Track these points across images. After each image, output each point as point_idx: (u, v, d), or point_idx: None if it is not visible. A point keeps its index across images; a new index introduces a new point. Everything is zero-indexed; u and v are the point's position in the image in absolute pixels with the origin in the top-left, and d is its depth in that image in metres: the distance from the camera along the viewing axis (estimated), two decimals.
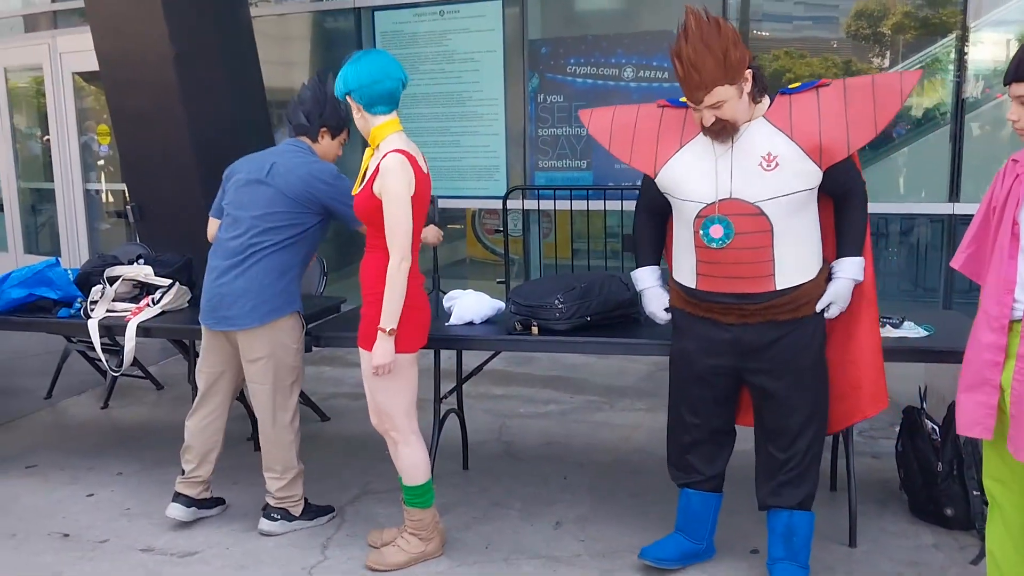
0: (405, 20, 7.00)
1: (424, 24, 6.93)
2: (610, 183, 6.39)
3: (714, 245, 2.92)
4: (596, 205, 6.25)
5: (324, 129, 3.64)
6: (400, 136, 3.21)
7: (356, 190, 3.28)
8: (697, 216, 2.94)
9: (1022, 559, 2.60)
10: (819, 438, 3.12)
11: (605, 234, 6.32)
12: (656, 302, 3.27)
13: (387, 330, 3.13)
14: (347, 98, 3.23)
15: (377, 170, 3.13)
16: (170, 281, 4.27)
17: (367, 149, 3.28)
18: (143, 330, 4.04)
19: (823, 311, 3.04)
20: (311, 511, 3.77)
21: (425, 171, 3.23)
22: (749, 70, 2.83)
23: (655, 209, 3.19)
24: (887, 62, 6.13)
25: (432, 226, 3.73)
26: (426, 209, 3.25)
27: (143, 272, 4.28)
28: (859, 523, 3.52)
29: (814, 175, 2.88)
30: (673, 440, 3.31)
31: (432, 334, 3.44)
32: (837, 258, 3.07)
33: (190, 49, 5.54)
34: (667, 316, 3.25)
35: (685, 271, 3.06)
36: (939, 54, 5.92)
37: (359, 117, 3.24)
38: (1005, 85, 2.43)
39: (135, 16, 5.53)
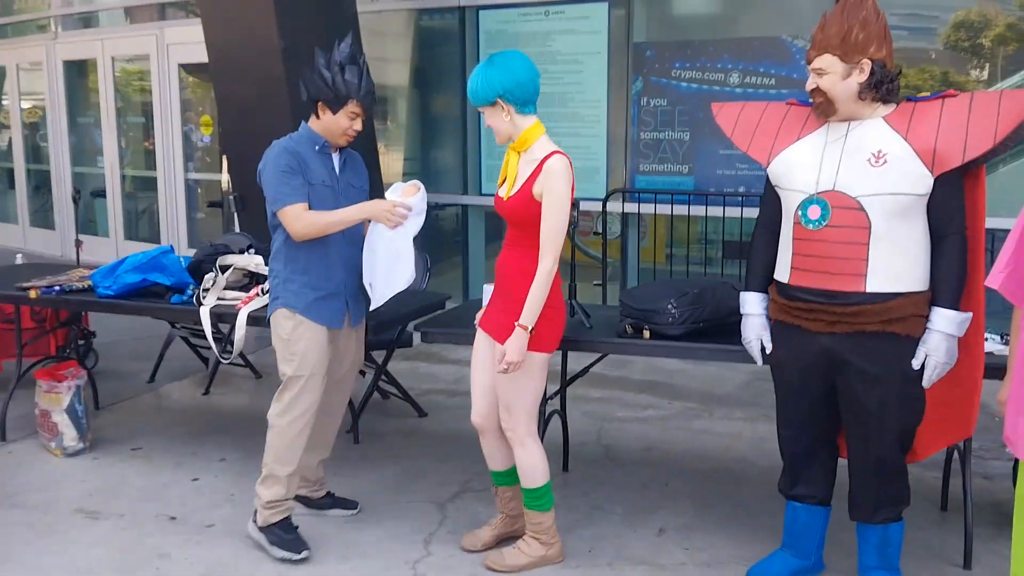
0: (510, 20, 6.99)
1: (529, 24, 6.92)
2: (711, 188, 6.30)
3: (811, 227, 2.86)
4: (697, 211, 6.16)
5: (320, 103, 3.37)
6: (548, 138, 3.20)
7: (508, 193, 3.21)
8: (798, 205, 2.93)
9: None
10: (901, 456, 3.04)
11: (705, 240, 6.20)
12: (754, 331, 3.18)
13: (527, 328, 3.11)
14: (498, 101, 3.12)
15: (538, 171, 3.10)
16: None
17: (510, 151, 3.24)
18: (253, 319, 4.08)
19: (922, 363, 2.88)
20: (277, 534, 3.51)
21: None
22: (869, 63, 2.81)
23: (773, 226, 3.11)
24: (986, 74, 5.92)
25: None
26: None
27: (254, 262, 4.33)
28: (973, 545, 3.42)
29: (923, 179, 2.78)
30: (782, 451, 3.26)
31: None
32: (931, 307, 2.88)
33: (297, 42, 5.62)
34: (758, 354, 3.19)
35: (782, 267, 3.03)
36: None
37: (506, 119, 3.15)
38: None
39: (246, 9, 5.64)
